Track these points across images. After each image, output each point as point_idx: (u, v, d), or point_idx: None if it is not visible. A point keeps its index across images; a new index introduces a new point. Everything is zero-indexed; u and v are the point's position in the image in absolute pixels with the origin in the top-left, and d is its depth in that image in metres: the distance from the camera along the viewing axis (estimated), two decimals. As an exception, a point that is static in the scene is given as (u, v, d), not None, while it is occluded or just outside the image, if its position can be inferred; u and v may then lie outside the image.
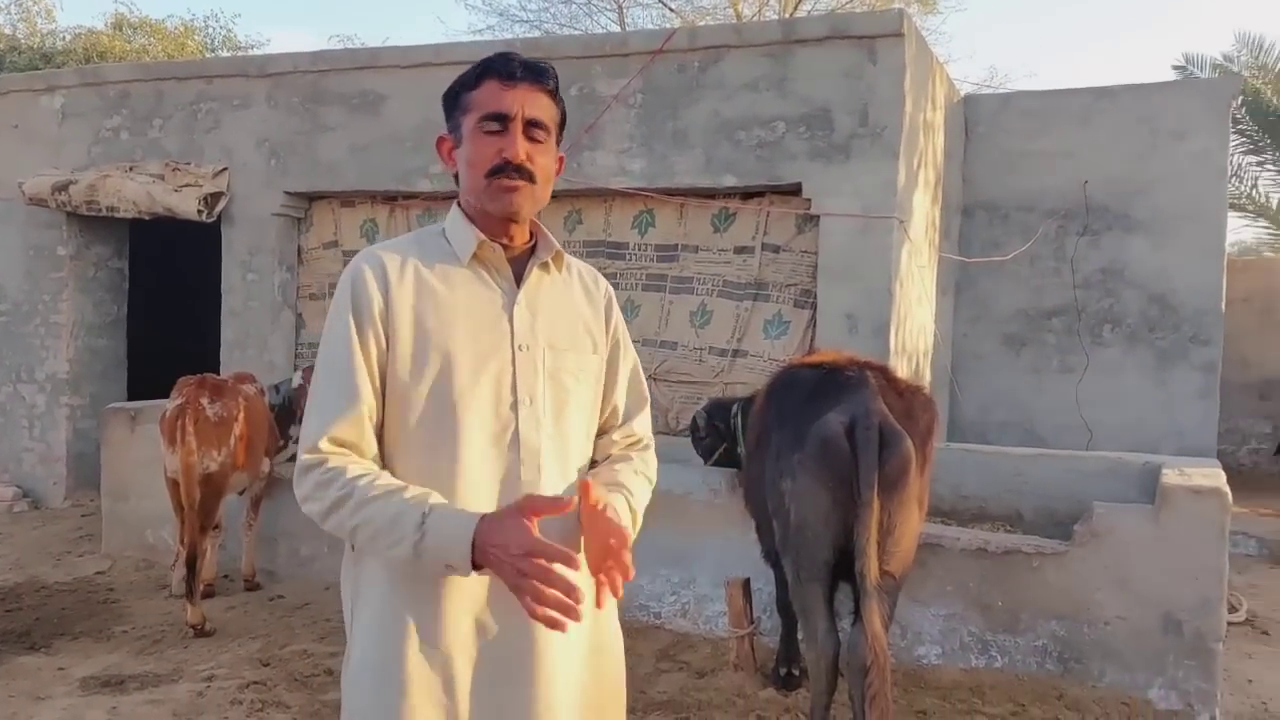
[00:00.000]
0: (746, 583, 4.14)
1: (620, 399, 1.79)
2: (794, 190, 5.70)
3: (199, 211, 6.75)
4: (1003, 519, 4.61)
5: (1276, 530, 6.75)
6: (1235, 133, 12.91)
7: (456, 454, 1.57)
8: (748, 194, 5.91)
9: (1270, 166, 13.44)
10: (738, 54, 5.74)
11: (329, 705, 3.79)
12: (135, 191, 6.85)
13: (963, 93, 7.69)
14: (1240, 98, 12.39)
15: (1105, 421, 6.91)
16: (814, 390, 3.50)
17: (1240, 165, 13.32)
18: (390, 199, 6.75)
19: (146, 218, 6.98)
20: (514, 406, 1.60)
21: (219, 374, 5.75)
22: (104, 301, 7.74)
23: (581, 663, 1.65)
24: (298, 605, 5.07)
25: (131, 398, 7.43)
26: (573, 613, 1.40)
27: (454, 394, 1.57)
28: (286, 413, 5.48)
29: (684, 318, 5.94)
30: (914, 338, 6.02)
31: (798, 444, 3.32)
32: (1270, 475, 8.54)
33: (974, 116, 7.52)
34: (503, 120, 1.60)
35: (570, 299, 1.73)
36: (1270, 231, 14.65)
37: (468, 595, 1.56)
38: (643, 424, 1.82)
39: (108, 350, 7.77)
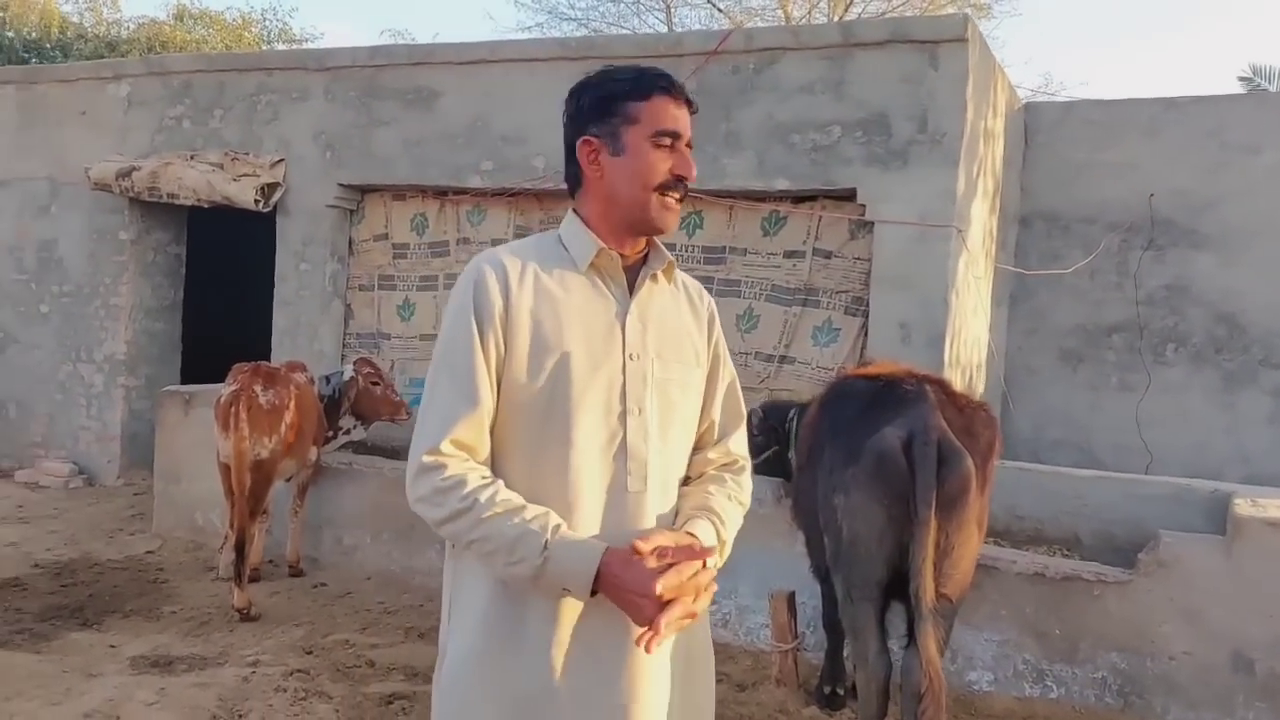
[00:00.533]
0: (791, 596, 4.06)
1: (717, 414, 1.79)
2: (848, 196, 5.60)
3: (256, 201, 6.83)
4: (1060, 542, 4.47)
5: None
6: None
7: (566, 459, 1.57)
8: (799, 198, 5.82)
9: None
10: (794, 56, 5.64)
11: (370, 698, 3.80)
12: (195, 180, 6.95)
13: (1022, 100, 7.51)
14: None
15: (1166, 444, 6.69)
16: (870, 402, 3.42)
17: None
18: (441, 194, 6.76)
19: (205, 205, 7.07)
20: (622, 416, 1.60)
21: (270, 361, 5.81)
22: (162, 286, 7.87)
23: (676, 673, 1.65)
24: (340, 594, 5.10)
25: (184, 381, 7.55)
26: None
27: (567, 400, 1.58)
28: (335, 404, 5.51)
29: (730, 321, 5.86)
30: (968, 350, 5.89)
31: (852, 458, 3.24)
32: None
33: (1035, 125, 7.33)
34: (675, 138, 1.63)
35: (678, 311, 1.73)
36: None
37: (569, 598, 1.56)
38: (739, 443, 1.81)
39: (164, 334, 7.90)
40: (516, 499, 1.53)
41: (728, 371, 1.81)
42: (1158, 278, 6.96)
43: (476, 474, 1.54)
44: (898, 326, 5.35)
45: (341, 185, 6.86)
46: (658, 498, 1.62)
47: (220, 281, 9.30)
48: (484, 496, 1.51)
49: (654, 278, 1.69)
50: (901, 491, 3.05)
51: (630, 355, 1.62)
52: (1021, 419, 7.04)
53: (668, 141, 1.62)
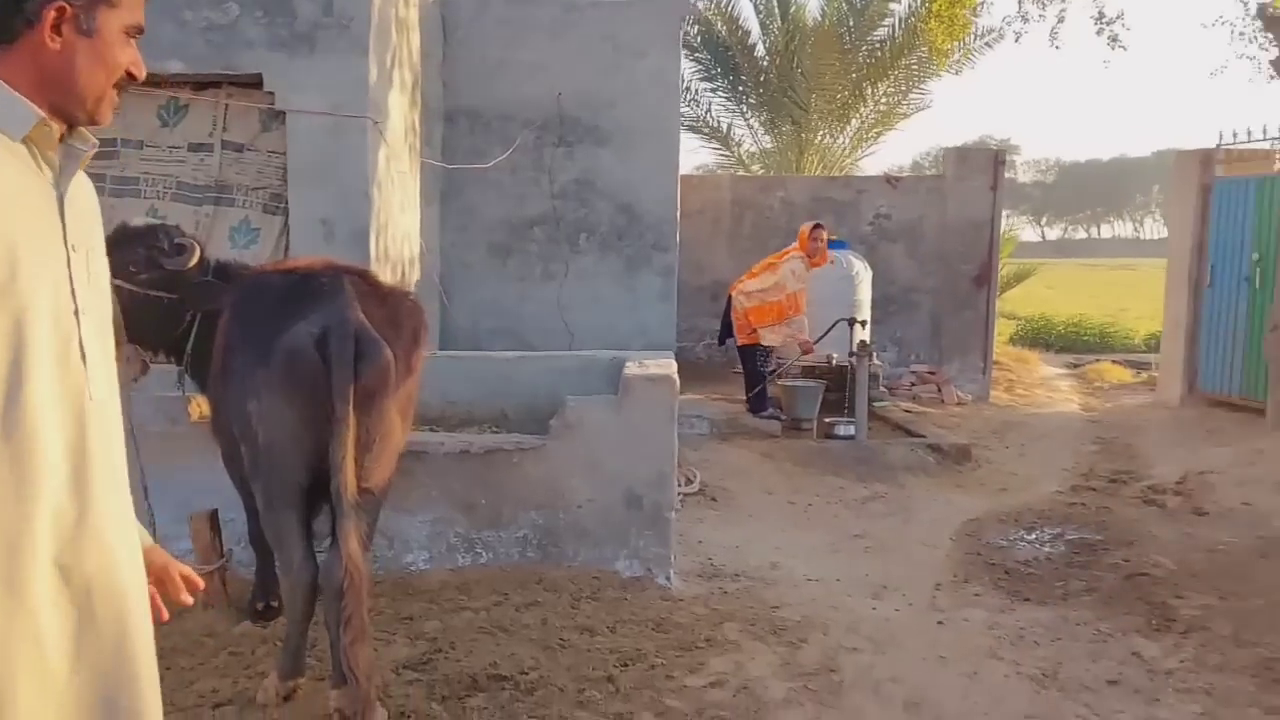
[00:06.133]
0: (214, 515, 3.77)
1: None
2: (255, 83, 5.14)
3: None
4: (490, 421, 4.71)
5: (723, 412, 7.91)
6: (692, 59, 14.52)
7: (22, 370, 1.29)
8: (201, 84, 5.22)
9: (721, 93, 15.29)
10: (175, -83, 4.95)
11: None
12: None
13: (441, -6, 7.55)
14: (696, 26, 13.91)
15: (584, 324, 7.44)
16: (284, 299, 3.17)
17: (697, 91, 15.00)
18: None
19: None
20: (75, 314, 1.38)
21: None
22: None
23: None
24: None
25: None
26: None
27: (17, 297, 1.29)
28: None
29: (129, 224, 5.13)
30: (397, 245, 5.87)
31: (264, 359, 3.00)
32: (720, 366, 9.93)
33: (452, 20, 7.44)
34: (140, 33, 1.48)
35: (91, 198, 1.52)
36: (723, 154, 16.72)
37: (50, 543, 1.33)
38: None
39: None
40: None
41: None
42: (569, 172, 7.60)
43: None
44: (319, 223, 5.11)
45: None
46: (111, 407, 1.44)
47: None
48: None
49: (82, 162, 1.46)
50: (317, 390, 2.90)
51: (72, 246, 1.39)
52: (459, 312, 7.31)
53: (135, 35, 1.47)
